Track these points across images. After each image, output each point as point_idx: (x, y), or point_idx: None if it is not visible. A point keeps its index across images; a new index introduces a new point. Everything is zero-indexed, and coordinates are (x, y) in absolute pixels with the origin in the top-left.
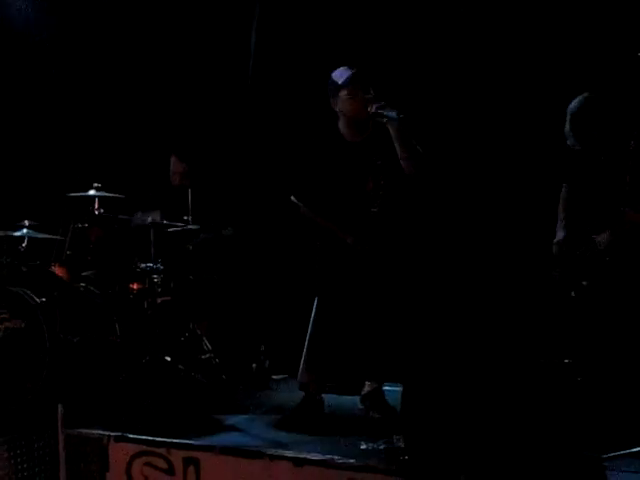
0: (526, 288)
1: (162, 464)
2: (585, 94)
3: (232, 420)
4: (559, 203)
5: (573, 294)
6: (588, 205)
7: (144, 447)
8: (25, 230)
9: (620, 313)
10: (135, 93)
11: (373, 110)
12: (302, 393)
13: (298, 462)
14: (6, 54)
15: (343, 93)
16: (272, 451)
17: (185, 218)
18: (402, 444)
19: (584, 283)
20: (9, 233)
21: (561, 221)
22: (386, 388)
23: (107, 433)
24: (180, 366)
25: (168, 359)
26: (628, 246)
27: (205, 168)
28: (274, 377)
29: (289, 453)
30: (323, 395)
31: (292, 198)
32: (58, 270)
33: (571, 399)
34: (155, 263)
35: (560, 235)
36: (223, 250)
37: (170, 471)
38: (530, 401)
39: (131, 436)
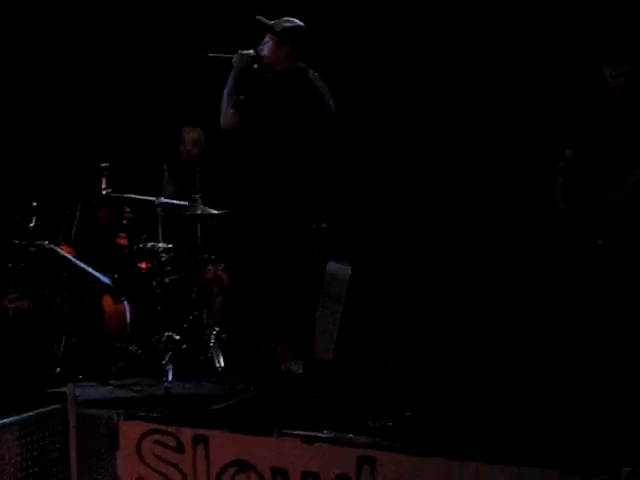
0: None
1: (172, 442)
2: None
3: (240, 398)
4: (558, 169)
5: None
6: (599, 166)
7: (154, 425)
8: (33, 210)
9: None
10: (142, 70)
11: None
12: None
13: (308, 439)
14: (10, 35)
15: None
16: (281, 428)
17: (193, 196)
18: (410, 421)
19: (600, 242)
20: (17, 213)
21: (561, 186)
22: (393, 366)
23: (117, 412)
24: (188, 345)
25: (177, 338)
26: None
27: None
28: None
29: (298, 430)
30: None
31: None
32: (66, 250)
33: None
34: (164, 242)
35: (563, 202)
36: (235, 230)
37: (180, 449)
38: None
39: (141, 414)
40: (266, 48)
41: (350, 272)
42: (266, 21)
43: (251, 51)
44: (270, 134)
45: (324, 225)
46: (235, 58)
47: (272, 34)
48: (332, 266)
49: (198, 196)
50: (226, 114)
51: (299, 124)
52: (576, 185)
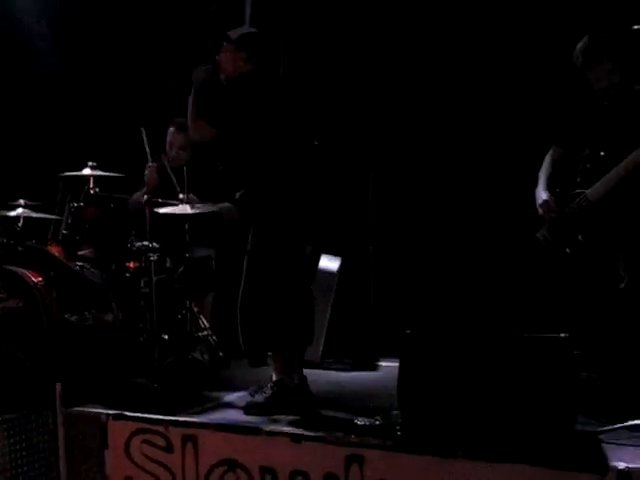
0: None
1: (160, 442)
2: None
3: (230, 397)
4: (543, 165)
5: (568, 250)
6: (583, 163)
7: (142, 425)
8: (21, 210)
9: (617, 265)
10: (129, 67)
11: None
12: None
13: (296, 438)
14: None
15: None
16: (270, 427)
17: (181, 197)
18: (398, 419)
19: (579, 238)
20: (5, 213)
21: (543, 182)
22: (382, 363)
23: (105, 411)
24: (177, 344)
25: (165, 337)
26: (621, 197)
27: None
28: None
29: (287, 429)
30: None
31: None
32: (54, 249)
33: (567, 372)
34: (151, 241)
35: (543, 195)
36: (221, 226)
37: (169, 448)
38: (525, 375)
39: (129, 414)
40: (223, 57)
41: (339, 268)
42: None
43: (209, 65)
44: (235, 137)
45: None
46: (194, 74)
47: (228, 42)
48: (321, 262)
49: (185, 195)
50: (194, 127)
51: (255, 125)
52: (559, 181)
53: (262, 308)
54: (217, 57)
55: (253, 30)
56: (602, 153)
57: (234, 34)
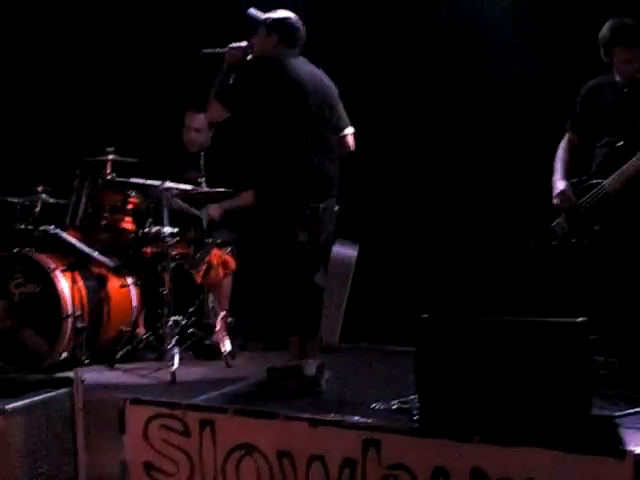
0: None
1: (178, 426)
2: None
3: (247, 382)
4: (558, 153)
5: (585, 241)
6: (600, 152)
7: (160, 409)
8: (39, 195)
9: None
10: (148, 55)
11: None
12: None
13: (313, 422)
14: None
15: None
16: (287, 412)
17: (199, 181)
18: (415, 404)
19: (596, 228)
20: (23, 198)
21: (560, 171)
22: (399, 348)
23: (123, 396)
24: (194, 329)
25: (183, 322)
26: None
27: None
28: None
29: (304, 414)
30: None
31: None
32: (72, 235)
33: (583, 356)
34: (169, 227)
35: (560, 186)
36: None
37: (186, 433)
38: (542, 359)
39: (147, 399)
40: (256, 39)
41: (356, 253)
42: (257, 14)
43: (243, 43)
44: (249, 120)
45: (336, 209)
46: (227, 54)
47: (262, 25)
48: (337, 247)
49: (203, 180)
50: (210, 105)
51: (269, 111)
52: (575, 170)
53: (270, 292)
54: (252, 39)
55: (288, 14)
56: (621, 142)
57: (267, 18)
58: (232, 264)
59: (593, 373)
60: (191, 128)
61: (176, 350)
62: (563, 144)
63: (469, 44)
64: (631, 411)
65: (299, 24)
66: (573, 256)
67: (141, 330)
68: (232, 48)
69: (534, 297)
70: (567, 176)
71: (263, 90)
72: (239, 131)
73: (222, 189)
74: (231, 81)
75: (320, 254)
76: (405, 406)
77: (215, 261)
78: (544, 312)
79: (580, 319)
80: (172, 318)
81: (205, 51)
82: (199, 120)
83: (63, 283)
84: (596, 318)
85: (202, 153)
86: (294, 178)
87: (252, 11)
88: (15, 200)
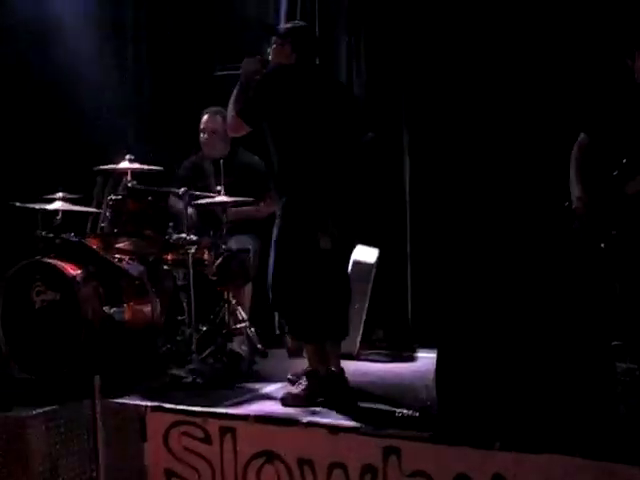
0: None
1: (199, 433)
2: None
3: (268, 389)
4: (573, 156)
5: (603, 245)
6: (614, 153)
7: (181, 417)
8: (59, 203)
9: None
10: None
11: None
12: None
13: (334, 430)
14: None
15: None
16: (307, 419)
17: (218, 188)
18: (436, 411)
19: (613, 232)
20: (44, 206)
21: (577, 174)
22: (419, 355)
23: (144, 403)
24: (215, 336)
25: (203, 329)
26: None
27: None
28: None
29: (324, 421)
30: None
31: None
32: (93, 242)
33: (606, 363)
34: (189, 234)
35: (577, 190)
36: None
37: (207, 440)
38: (564, 366)
39: (168, 406)
40: (272, 51)
41: (377, 259)
42: (271, 26)
43: (258, 56)
44: (269, 131)
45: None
46: (243, 65)
47: (276, 36)
48: (357, 253)
49: (222, 188)
50: (230, 120)
51: (289, 120)
52: (592, 173)
53: (288, 298)
54: (269, 50)
55: (300, 23)
56: (635, 144)
57: (281, 28)
58: (251, 270)
59: (616, 380)
60: (206, 131)
61: (197, 357)
62: (577, 147)
63: None
64: None
65: (312, 33)
66: (591, 258)
67: (161, 338)
68: (248, 61)
69: (554, 304)
70: (583, 180)
71: (282, 101)
72: (259, 141)
73: (240, 198)
74: (250, 94)
75: (340, 260)
76: (426, 413)
77: (235, 268)
78: (564, 319)
79: (602, 326)
80: (193, 325)
81: (219, 73)
82: (215, 124)
83: (83, 291)
84: (618, 325)
85: (221, 161)
86: (314, 185)
87: (266, 24)
88: (36, 207)
